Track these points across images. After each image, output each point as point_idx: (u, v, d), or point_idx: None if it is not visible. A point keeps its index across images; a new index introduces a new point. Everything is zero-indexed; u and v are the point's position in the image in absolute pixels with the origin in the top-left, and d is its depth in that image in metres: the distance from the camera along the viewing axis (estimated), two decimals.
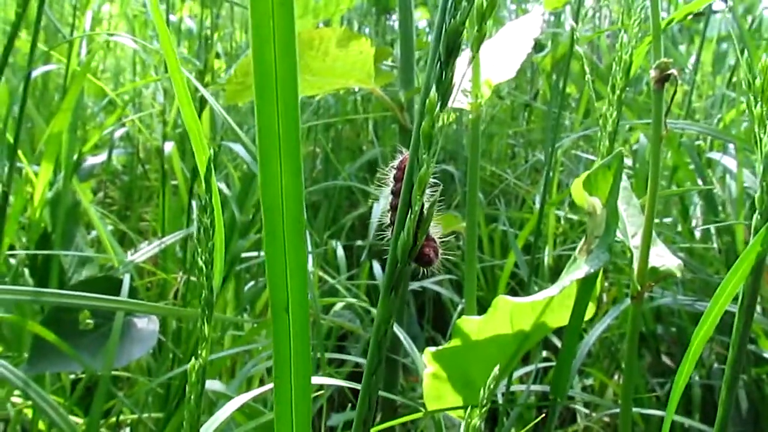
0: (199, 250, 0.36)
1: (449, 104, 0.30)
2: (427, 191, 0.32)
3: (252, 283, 1.10)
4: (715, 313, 0.37)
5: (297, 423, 0.29)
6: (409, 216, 0.31)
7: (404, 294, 0.93)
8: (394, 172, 0.39)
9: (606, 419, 1.06)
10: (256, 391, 0.49)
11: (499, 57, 0.72)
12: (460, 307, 1.16)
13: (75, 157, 0.95)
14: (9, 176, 0.50)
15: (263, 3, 0.26)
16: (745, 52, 0.38)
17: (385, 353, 0.31)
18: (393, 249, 0.32)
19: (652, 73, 0.48)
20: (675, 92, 0.48)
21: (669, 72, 0.47)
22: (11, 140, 0.97)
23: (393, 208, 0.38)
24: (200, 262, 0.36)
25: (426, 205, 0.32)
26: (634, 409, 0.88)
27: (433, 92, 0.29)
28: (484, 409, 0.40)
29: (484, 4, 0.28)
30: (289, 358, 0.29)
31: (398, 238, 0.31)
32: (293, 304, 0.29)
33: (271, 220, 0.28)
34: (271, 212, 0.28)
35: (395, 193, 0.38)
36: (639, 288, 0.53)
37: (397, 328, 0.81)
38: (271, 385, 0.57)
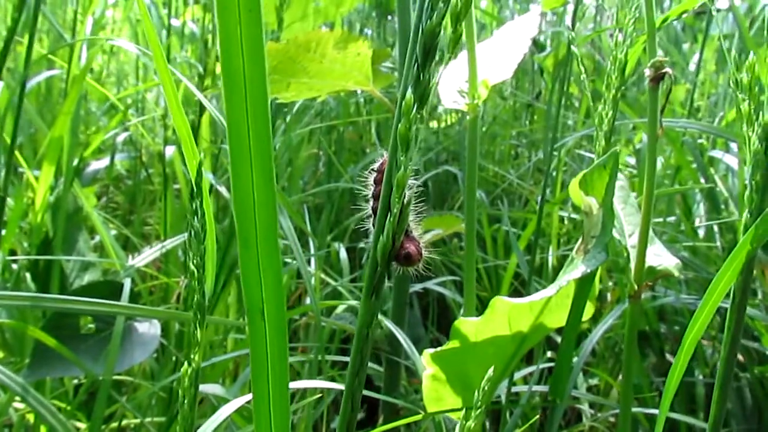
0: (191, 254, 0.36)
1: (428, 105, 0.30)
2: (406, 192, 0.31)
3: None
4: (707, 310, 0.36)
5: (276, 427, 0.29)
6: (388, 218, 0.31)
7: (405, 295, 0.93)
8: (375, 174, 0.39)
9: (611, 419, 1.06)
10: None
11: (497, 57, 0.72)
12: (464, 309, 1.16)
13: (76, 161, 0.95)
14: (6, 180, 0.50)
15: (230, 11, 0.26)
16: (732, 51, 0.37)
17: (368, 356, 0.31)
18: (373, 252, 0.32)
19: (647, 71, 0.48)
20: (670, 90, 0.47)
21: (664, 70, 0.47)
22: (8, 142, 0.98)
23: (374, 211, 0.38)
24: (192, 267, 0.36)
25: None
26: (638, 409, 0.88)
27: (409, 94, 0.29)
28: (479, 411, 0.40)
29: (459, 5, 0.28)
30: (266, 363, 0.29)
31: (378, 240, 0.31)
32: (269, 309, 0.29)
33: (244, 226, 0.29)
34: (243, 218, 0.28)
35: (375, 196, 0.38)
36: (636, 287, 0.53)
37: (397, 331, 0.81)
38: None
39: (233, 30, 0.26)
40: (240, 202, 0.28)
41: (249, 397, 0.49)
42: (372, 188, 0.38)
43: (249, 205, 0.28)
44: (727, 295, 0.39)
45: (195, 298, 0.37)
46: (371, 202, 0.38)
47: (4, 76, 1.38)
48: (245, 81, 0.27)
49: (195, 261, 0.36)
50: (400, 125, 0.29)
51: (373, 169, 0.39)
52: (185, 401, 0.37)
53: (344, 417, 0.31)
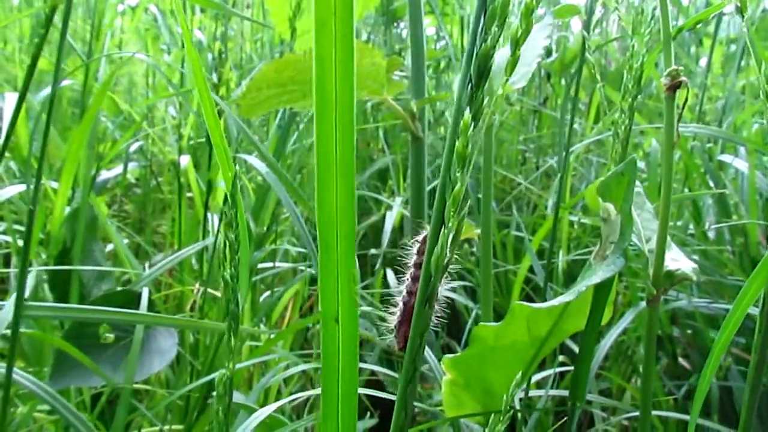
0: (225, 264, 0.37)
1: (481, 121, 0.31)
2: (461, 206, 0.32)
3: (267, 293, 1.11)
4: (735, 319, 0.37)
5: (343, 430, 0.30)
6: (443, 232, 0.32)
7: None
8: (417, 245, 0.40)
9: (624, 422, 1.06)
10: (279, 402, 0.50)
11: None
12: (474, 313, 1.17)
13: (92, 172, 0.96)
14: (35, 195, 0.51)
15: (326, 33, 0.28)
16: (763, 65, 0.38)
17: (420, 363, 0.32)
18: (426, 263, 0.33)
19: (664, 80, 0.49)
20: (686, 99, 0.48)
21: (680, 79, 0.48)
22: (28, 156, 0.99)
23: (413, 279, 0.38)
24: (227, 276, 0.37)
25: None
26: (652, 412, 0.88)
27: (467, 114, 0.30)
28: (507, 416, 0.40)
29: (519, 31, 0.29)
30: (337, 368, 0.31)
31: (432, 252, 0.32)
32: (343, 315, 0.30)
33: (326, 235, 0.30)
34: (325, 227, 0.30)
35: (417, 264, 0.39)
36: (654, 292, 0.54)
37: None
38: (291, 397, 0.58)
39: (329, 55, 0.28)
40: (324, 212, 0.30)
41: (276, 405, 0.50)
42: (414, 257, 0.39)
43: (332, 216, 0.30)
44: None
45: (229, 307, 0.37)
46: (412, 270, 0.39)
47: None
48: (336, 102, 0.28)
49: (230, 271, 0.37)
50: (458, 143, 0.30)
51: (416, 240, 0.40)
52: (220, 409, 0.38)
53: (397, 422, 0.32)
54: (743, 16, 0.38)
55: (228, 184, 0.36)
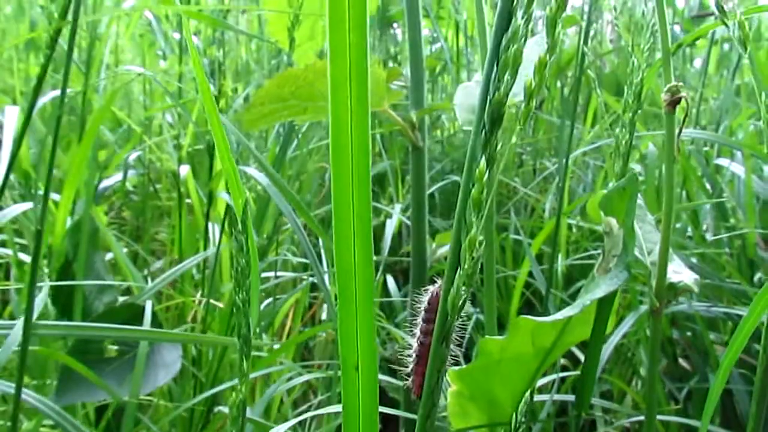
0: (237, 289, 0.37)
1: (496, 166, 0.32)
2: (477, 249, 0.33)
3: (269, 300, 1.11)
4: (745, 331, 0.38)
5: None
6: (458, 273, 0.32)
7: None
8: (424, 314, 0.40)
9: (626, 424, 1.07)
10: (292, 421, 0.50)
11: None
12: (474, 318, 1.17)
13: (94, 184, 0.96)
14: (43, 214, 0.51)
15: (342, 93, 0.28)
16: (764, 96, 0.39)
17: (438, 400, 0.33)
18: (443, 303, 0.33)
19: (664, 97, 0.49)
20: (686, 114, 0.49)
21: (680, 95, 0.49)
22: (32, 172, 0.99)
23: (426, 334, 0.39)
24: (238, 302, 0.37)
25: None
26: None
27: (483, 162, 0.31)
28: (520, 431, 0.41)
29: (533, 84, 0.30)
30: (357, 416, 0.31)
31: (447, 293, 0.32)
32: (363, 363, 0.31)
33: (344, 284, 0.31)
34: (344, 276, 0.30)
35: (426, 332, 0.39)
36: (658, 304, 0.54)
37: None
38: (302, 416, 0.58)
39: (344, 124, 0.28)
40: (342, 261, 0.30)
41: (290, 424, 0.50)
42: (421, 325, 0.40)
43: (350, 265, 0.30)
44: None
45: (241, 332, 0.38)
46: (423, 315, 0.40)
47: (18, 100, 1.40)
48: (352, 155, 0.29)
49: (241, 296, 0.37)
50: (473, 191, 0.31)
51: (426, 290, 0.40)
52: (233, 431, 0.38)
53: None
54: (746, 49, 0.39)
55: (239, 211, 0.36)
